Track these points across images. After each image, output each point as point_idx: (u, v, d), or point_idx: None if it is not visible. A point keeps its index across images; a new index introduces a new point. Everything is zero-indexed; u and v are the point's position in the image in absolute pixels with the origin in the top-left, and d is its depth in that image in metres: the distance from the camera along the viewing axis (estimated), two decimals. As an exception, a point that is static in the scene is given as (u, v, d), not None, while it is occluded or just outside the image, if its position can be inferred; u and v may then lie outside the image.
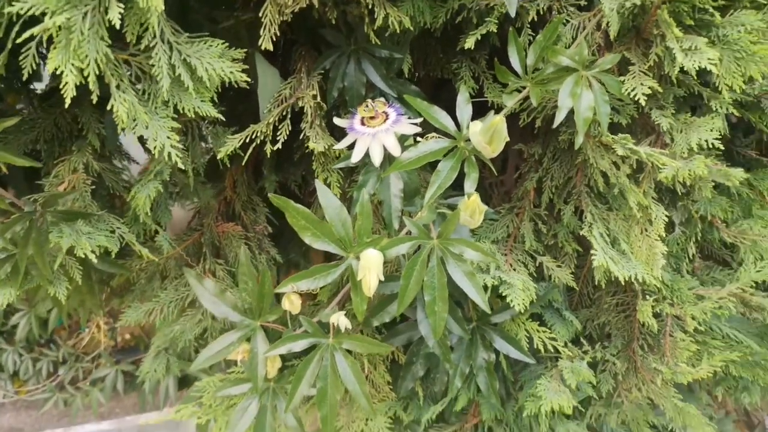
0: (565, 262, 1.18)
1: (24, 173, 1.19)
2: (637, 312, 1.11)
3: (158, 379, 1.99)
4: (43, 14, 0.56)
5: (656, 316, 1.14)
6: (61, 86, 0.61)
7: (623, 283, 0.96)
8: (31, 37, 0.64)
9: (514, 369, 1.28)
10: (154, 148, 0.73)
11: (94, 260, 0.90)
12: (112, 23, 0.59)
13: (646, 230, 0.97)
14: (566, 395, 1.09)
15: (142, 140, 1.36)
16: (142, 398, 2.10)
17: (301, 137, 1.02)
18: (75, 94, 0.61)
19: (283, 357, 1.11)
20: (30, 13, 0.56)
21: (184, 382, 2.06)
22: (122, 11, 0.58)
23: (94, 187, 1.02)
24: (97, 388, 2.14)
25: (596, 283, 1.28)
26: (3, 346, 2.23)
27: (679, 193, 1.15)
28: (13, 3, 0.56)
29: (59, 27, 0.56)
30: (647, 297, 1.11)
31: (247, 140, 0.92)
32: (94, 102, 0.65)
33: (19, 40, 0.58)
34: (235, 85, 0.80)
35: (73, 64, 0.59)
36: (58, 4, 0.56)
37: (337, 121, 0.95)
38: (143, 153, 1.31)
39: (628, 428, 1.37)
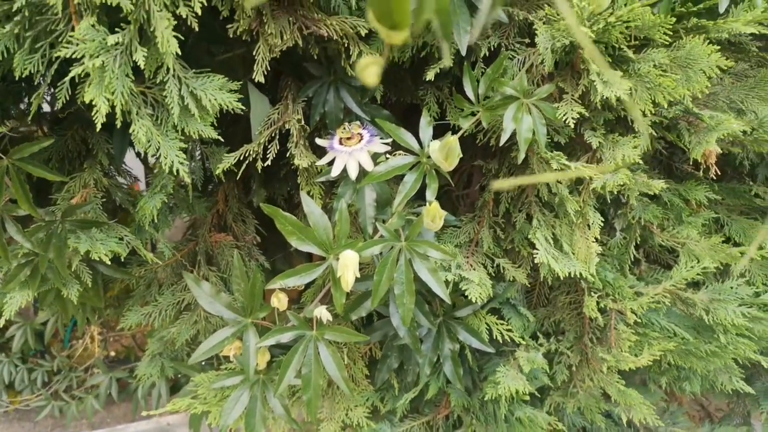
0: (522, 265, 1.33)
1: (35, 188, 1.32)
2: (584, 307, 1.26)
3: (151, 384, 2.09)
4: (82, 57, 0.71)
5: (602, 311, 1.29)
6: (93, 114, 0.75)
7: (563, 279, 1.11)
8: (64, 74, 0.78)
9: (479, 362, 1.42)
10: (164, 164, 0.88)
11: (108, 262, 1.03)
12: (137, 63, 0.73)
13: (584, 234, 1.13)
14: (522, 381, 1.24)
15: (144, 159, 1.50)
16: (135, 404, 2.20)
17: (287, 156, 1.17)
18: (104, 120, 0.75)
19: (271, 352, 1.25)
20: (73, 55, 0.70)
21: (176, 388, 2.16)
22: (145, 54, 0.73)
23: (104, 200, 1.15)
24: (92, 395, 2.24)
25: (551, 284, 1.44)
26: (-1, 358, 2.33)
27: (621, 203, 1.32)
28: (62, 48, 0.70)
29: (96, 67, 0.70)
30: (593, 294, 1.27)
31: (241, 158, 1.07)
32: (118, 126, 0.79)
33: (67, 78, 0.73)
34: (231, 112, 0.95)
35: (105, 97, 0.73)
36: (96, 49, 0.70)
37: (318, 141, 1.10)
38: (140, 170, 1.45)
39: (583, 415, 1.53)
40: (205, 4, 0.72)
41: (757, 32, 0.92)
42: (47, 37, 0.76)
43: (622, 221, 1.33)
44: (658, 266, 1.50)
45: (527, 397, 1.29)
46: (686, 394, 1.59)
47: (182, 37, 0.73)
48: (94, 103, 0.73)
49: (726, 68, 0.91)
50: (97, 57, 0.70)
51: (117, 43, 0.71)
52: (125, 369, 2.34)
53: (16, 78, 0.76)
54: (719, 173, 1.17)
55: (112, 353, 2.60)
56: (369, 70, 0.28)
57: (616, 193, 1.05)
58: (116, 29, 0.72)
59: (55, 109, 1.28)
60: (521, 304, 1.32)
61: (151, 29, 0.72)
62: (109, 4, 0.67)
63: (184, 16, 0.72)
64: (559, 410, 1.51)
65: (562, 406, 1.48)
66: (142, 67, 0.74)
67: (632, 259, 1.37)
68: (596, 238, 1.11)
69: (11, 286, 1.15)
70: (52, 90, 0.88)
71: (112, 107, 0.76)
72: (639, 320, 1.29)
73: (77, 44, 0.70)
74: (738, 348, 1.30)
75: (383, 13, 0.22)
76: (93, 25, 0.70)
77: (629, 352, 1.29)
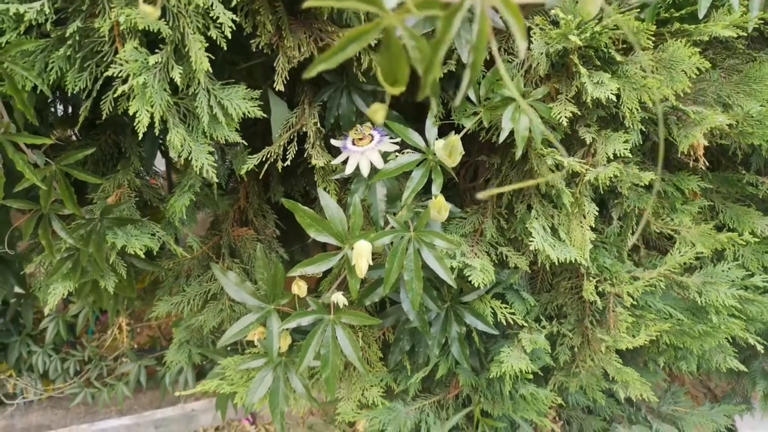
0: (524, 253, 1.42)
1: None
2: (583, 290, 1.35)
3: (178, 371, 2.22)
4: (127, 75, 0.81)
5: (601, 295, 1.38)
6: (135, 123, 0.86)
7: (560, 265, 1.20)
8: (108, 87, 0.89)
9: (486, 344, 1.52)
10: (196, 167, 0.98)
11: (142, 256, 1.14)
12: (173, 79, 0.83)
13: (581, 223, 1.21)
14: (525, 361, 1.33)
15: (169, 161, 1.61)
16: (163, 391, 2.32)
17: (304, 156, 1.26)
18: (145, 130, 0.85)
19: (291, 337, 1.35)
20: (119, 74, 0.80)
21: (201, 375, 2.28)
22: (181, 72, 0.83)
23: (137, 198, 1.26)
24: (122, 382, 2.37)
25: (553, 270, 1.53)
26: (33, 348, 2.46)
27: (618, 193, 1.41)
28: (109, 68, 0.80)
29: (139, 84, 0.80)
30: (591, 278, 1.36)
31: (263, 159, 1.16)
32: (157, 133, 0.89)
33: (114, 94, 0.83)
34: (252, 117, 1.05)
35: (146, 109, 0.83)
36: (139, 68, 0.80)
37: (333, 142, 1.20)
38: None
39: (586, 394, 1.62)
40: (234, 28, 0.81)
41: (736, 35, 1.00)
42: (93, 57, 0.86)
43: (619, 210, 1.41)
44: (656, 252, 1.58)
45: (530, 376, 1.39)
46: (684, 373, 1.68)
47: (213, 57, 0.82)
48: (137, 115, 0.83)
49: (705, 69, 0.99)
50: (140, 75, 0.80)
51: (156, 63, 0.81)
52: (152, 357, 2.47)
53: (69, 93, 0.86)
54: (708, 164, 1.25)
55: (135, 345, 2.73)
56: (378, 113, 0.37)
57: (609, 184, 1.14)
58: (155, 50, 0.82)
59: (88, 115, 1.38)
60: (524, 289, 1.41)
61: (186, 49, 0.82)
62: (150, 30, 0.77)
63: (215, 38, 0.82)
64: (563, 389, 1.61)
65: (566, 386, 1.57)
66: (178, 83, 0.84)
67: (631, 245, 1.45)
68: (591, 227, 1.20)
69: (54, 278, 1.26)
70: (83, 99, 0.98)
71: (152, 117, 0.86)
72: (635, 303, 1.37)
73: (122, 64, 0.80)
74: (729, 328, 1.38)
75: (387, 74, 0.32)
76: (136, 48, 0.80)
77: (627, 333, 1.38)
